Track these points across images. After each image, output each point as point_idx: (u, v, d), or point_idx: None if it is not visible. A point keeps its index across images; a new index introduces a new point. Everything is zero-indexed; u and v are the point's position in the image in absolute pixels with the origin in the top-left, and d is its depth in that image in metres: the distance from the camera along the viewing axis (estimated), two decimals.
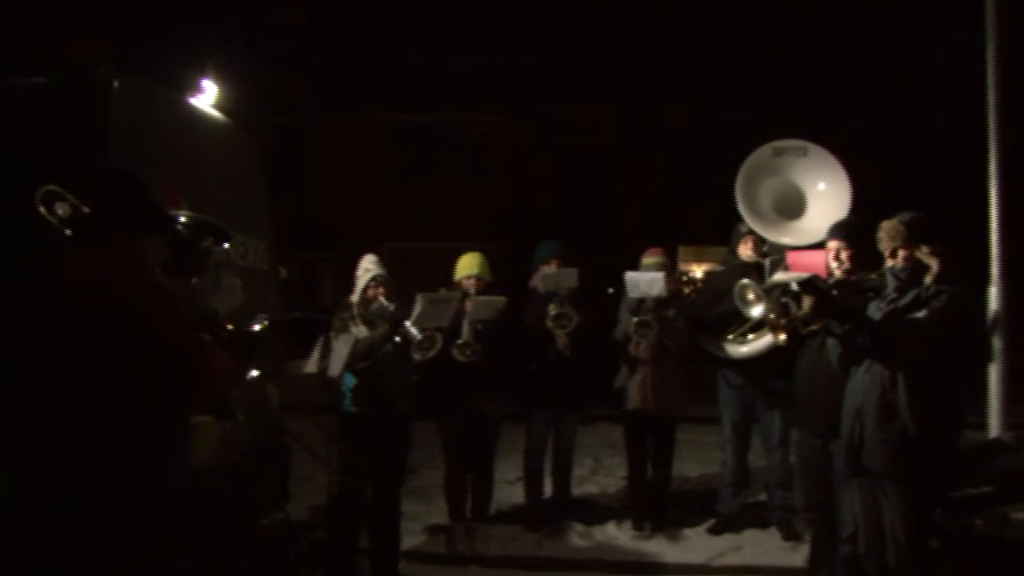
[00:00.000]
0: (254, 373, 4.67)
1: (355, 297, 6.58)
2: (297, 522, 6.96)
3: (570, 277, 7.52)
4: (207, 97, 6.64)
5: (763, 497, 8.15)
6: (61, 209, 3.80)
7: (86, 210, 3.79)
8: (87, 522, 3.35)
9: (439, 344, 6.41)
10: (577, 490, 8.72)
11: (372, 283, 6.56)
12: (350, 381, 6.41)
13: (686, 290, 7.97)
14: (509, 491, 8.88)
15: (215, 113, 6.77)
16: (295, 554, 6.25)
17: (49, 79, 5.60)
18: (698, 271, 8.98)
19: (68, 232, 3.76)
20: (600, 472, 10.36)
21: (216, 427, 4.58)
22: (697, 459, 10.50)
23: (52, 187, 3.82)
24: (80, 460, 3.34)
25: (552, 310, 7.43)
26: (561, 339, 7.58)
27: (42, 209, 3.76)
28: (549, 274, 7.61)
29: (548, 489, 8.10)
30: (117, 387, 3.33)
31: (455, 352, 6.91)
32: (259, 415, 6.15)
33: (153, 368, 3.36)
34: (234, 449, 5.19)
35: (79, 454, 3.34)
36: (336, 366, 6.11)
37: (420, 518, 7.99)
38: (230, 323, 4.20)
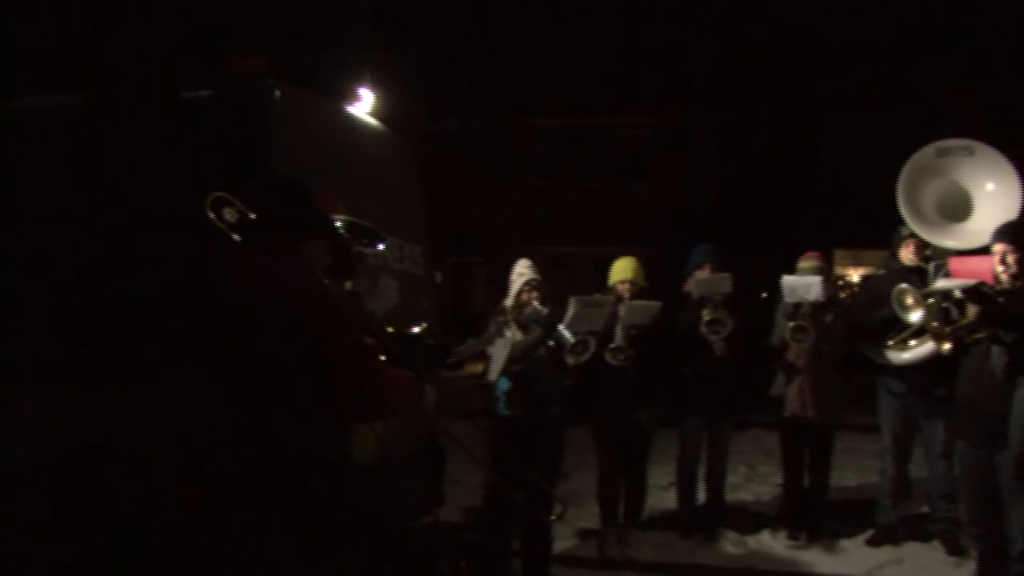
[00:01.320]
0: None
1: (509, 301, 6.61)
2: (448, 524, 7.05)
3: (724, 282, 7.44)
4: (364, 104, 6.79)
5: (925, 509, 7.88)
6: (229, 215, 3.94)
7: (252, 215, 3.92)
8: (251, 520, 3.46)
9: (592, 348, 6.40)
10: (731, 497, 8.60)
11: (526, 287, 6.59)
12: (504, 384, 6.43)
13: (842, 294, 7.79)
14: (662, 497, 8.81)
15: (372, 120, 6.91)
16: (445, 556, 6.33)
17: (216, 92, 5.83)
18: (855, 275, 8.78)
19: (236, 237, 3.89)
20: (754, 479, 10.19)
21: (368, 429, 4.68)
22: (855, 468, 10.23)
23: (221, 193, 3.96)
24: (248, 457, 3.45)
25: (706, 315, 7.35)
26: (718, 345, 7.48)
27: (212, 215, 3.91)
28: (703, 279, 7.54)
29: (701, 496, 8.01)
30: (284, 389, 3.42)
31: (608, 357, 6.89)
32: (413, 417, 6.24)
33: (318, 370, 3.43)
34: (388, 451, 5.29)
35: (247, 451, 3.45)
36: (493, 370, 6.16)
37: (572, 522, 7.96)
38: (390, 327, 4.28)
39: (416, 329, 4.44)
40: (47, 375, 5.59)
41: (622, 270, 7.54)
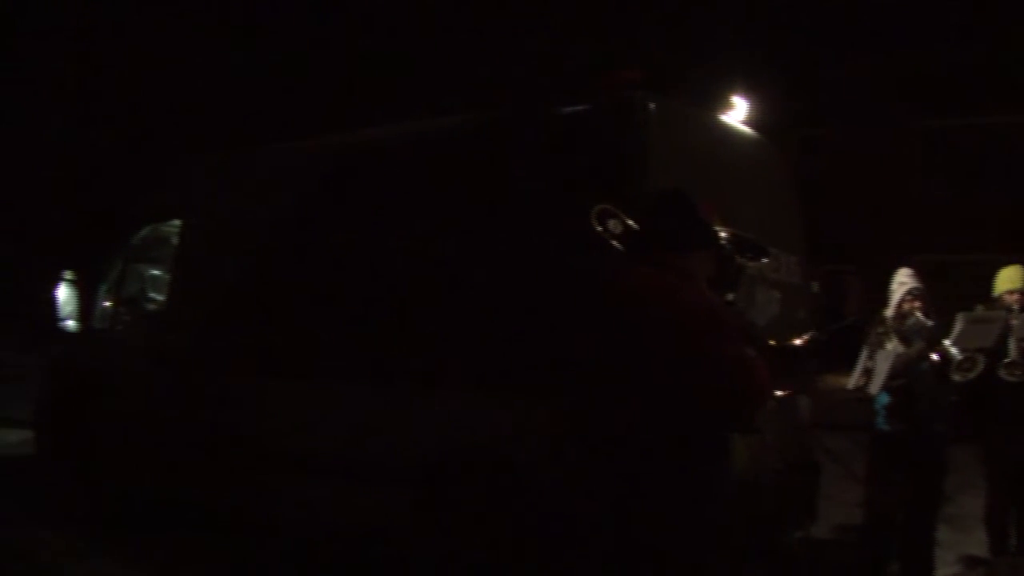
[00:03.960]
0: (779, 392, 4.67)
1: (889, 311, 6.37)
2: (820, 541, 6.86)
3: None
4: (737, 113, 6.74)
5: None
6: (613, 226, 4.02)
7: (636, 227, 3.99)
8: (634, 525, 3.54)
9: (980, 366, 6.05)
10: None
11: (908, 297, 6.33)
12: (884, 399, 6.20)
13: None
14: None
15: (746, 128, 6.85)
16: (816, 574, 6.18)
17: (592, 106, 5.99)
18: None
19: (621, 248, 3.98)
20: None
21: (741, 439, 4.66)
22: None
23: (606, 206, 4.06)
24: (634, 464, 3.53)
25: None
26: None
27: (598, 226, 4.01)
28: None
29: None
30: (668, 398, 3.47)
31: (1003, 372, 6.44)
32: (788, 430, 6.13)
33: (702, 380, 3.45)
34: (761, 462, 5.22)
35: (633, 458, 3.53)
36: (875, 383, 5.97)
37: (955, 547, 7.51)
38: (772, 339, 4.24)
39: (798, 341, 4.38)
40: (447, 382, 5.92)
41: (1010, 279, 7.02)
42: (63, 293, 9.22)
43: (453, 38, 21.31)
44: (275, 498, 6.77)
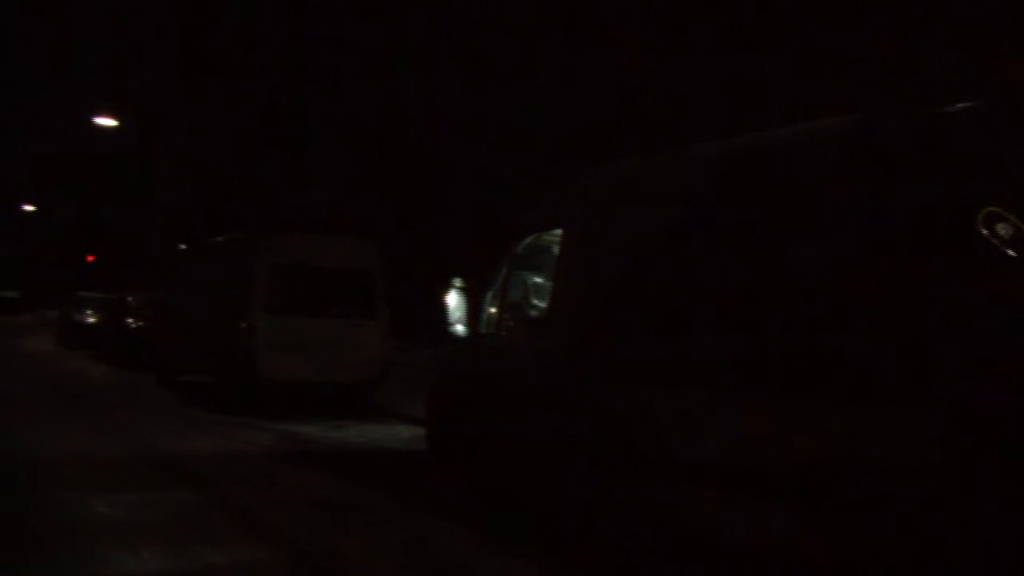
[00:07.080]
0: None
1: None
2: None
3: None
4: None
5: None
6: (1002, 230, 3.81)
7: None
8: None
9: None
10: None
11: None
12: None
13: None
14: None
15: None
16: None
17: (984, 102, 5.61)
18: None
19: (1012, 253, 3.77)
20: None
21: None
22: None
23: (993, 208, 3.85)
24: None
25: None
26: None
27: (983, 230, 3.82)
28: None
29: None
30: None
31: None
32: None
33: None
34: None
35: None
36: None
37: None
38: None
39: None
40: (834, 391, 5.79)
41: None
42: (453, 299, 9.78)
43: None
44: (655, 503, 6.86)
